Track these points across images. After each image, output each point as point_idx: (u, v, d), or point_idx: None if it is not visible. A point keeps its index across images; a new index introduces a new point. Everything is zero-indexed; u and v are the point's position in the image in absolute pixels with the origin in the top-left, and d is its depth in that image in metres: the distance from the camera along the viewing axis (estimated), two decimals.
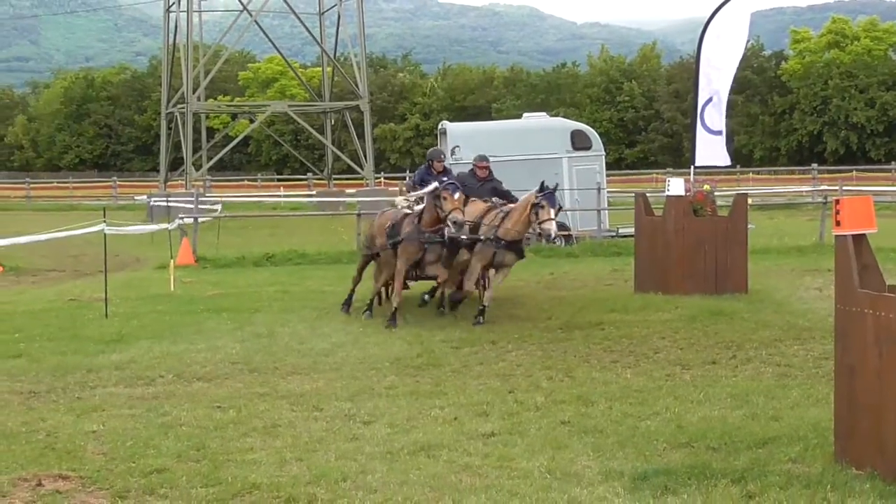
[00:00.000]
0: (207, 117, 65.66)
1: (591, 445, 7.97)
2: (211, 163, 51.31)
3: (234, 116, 72.44)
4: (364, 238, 17.32)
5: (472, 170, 16.32)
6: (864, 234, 7.39)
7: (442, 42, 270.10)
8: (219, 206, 32.65)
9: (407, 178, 25.56)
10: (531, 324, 14.11)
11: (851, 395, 7.23)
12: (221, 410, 9.28)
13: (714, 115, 17.16)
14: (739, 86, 68.73)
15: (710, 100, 17.19)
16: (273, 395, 9.98)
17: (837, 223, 7.35)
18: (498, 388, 10.18)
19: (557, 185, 14.93)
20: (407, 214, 14.75)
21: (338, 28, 52.41)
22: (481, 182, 15.83)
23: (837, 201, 7.47)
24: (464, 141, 26.42)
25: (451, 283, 15.04)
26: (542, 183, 14.17)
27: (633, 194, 21.48)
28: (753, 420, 8.61)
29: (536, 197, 14.00)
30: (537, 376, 10.71)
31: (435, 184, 14.44)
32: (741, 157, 66.70)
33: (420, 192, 14.88)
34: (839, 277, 7.44)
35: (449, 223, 13.90)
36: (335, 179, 56.44)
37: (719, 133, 17.12)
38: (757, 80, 74.33)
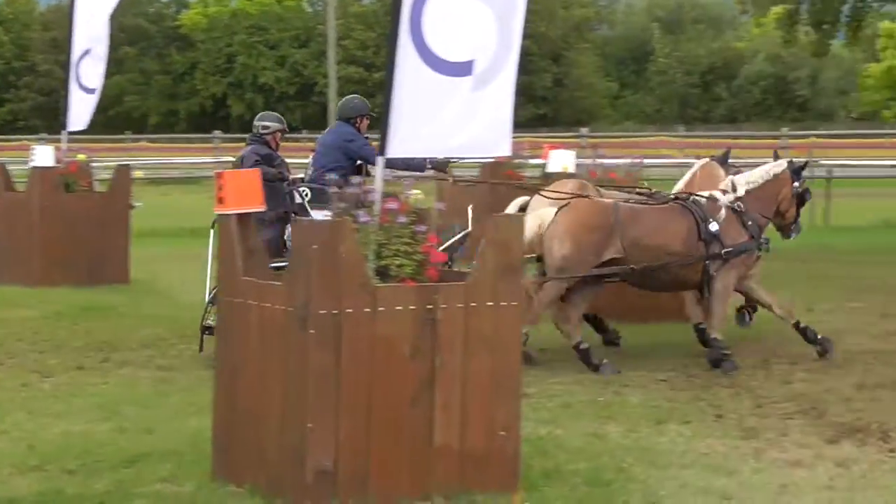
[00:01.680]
0: None
1: None
2: None
3: None
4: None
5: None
6: (249, 213, 7.64)
7: None
8: None
9: None
10: None
11: (232, 399, 7.44)
12: None
13: (92, 69, 17.02)
14: (133, 36, 69.01)
15: (87, 51, 17.05)
16: None
17: (220, 200, 7.53)
18: None
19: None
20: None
21: None
22: None
23: (220, 175, 7.66)
24: None
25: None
26: None
27: None
28: (122, 434, 8.65)
29: None
30: None
31: None
32: (133, 121, 66.88)
33: None
34: (222, 264, 7.65)
35: None
36: None
37: (93, 91, 17.00)
38: (153, 31, 74.75)
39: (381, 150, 7.47)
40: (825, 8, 23.36)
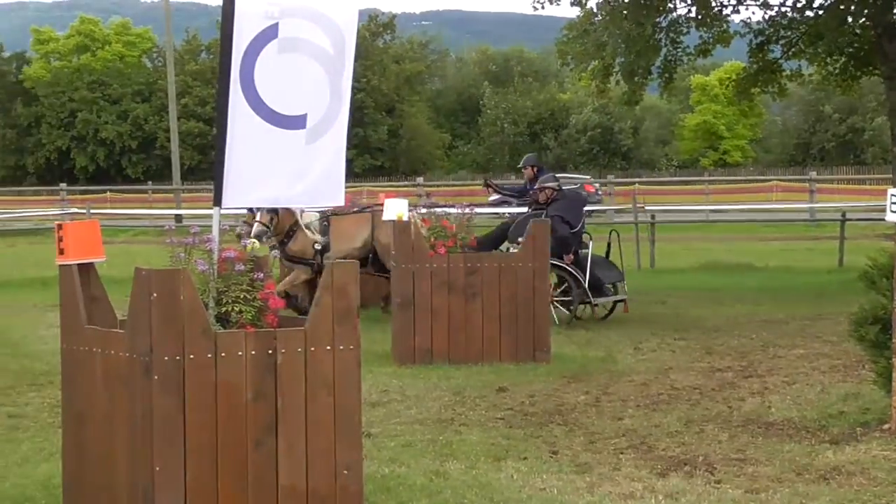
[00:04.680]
0: None
1: None
2: None
3: None
4: None
5: None
6: (92, 263, 7.57)
7: None
8: None
9: None
10: None
11: (81, 445, 7.35)
12: None
13: None
14: None
15: None
16: None
17: (61, 251, 7.45)
18: None
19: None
20: None
21: None
22: None
23: (60, 226, 7.57)
24: None
25: None
26: None
27: None
28: None
29: None
30: None
31: None
32: None
33: None
34: (64, 313, 7.54)
35: None
36: None
37: None
38: None
39: (217, 202, 7.48)
40: (637, 60, 23.91)
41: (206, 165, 68.21)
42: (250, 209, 16.25)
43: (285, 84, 7.57)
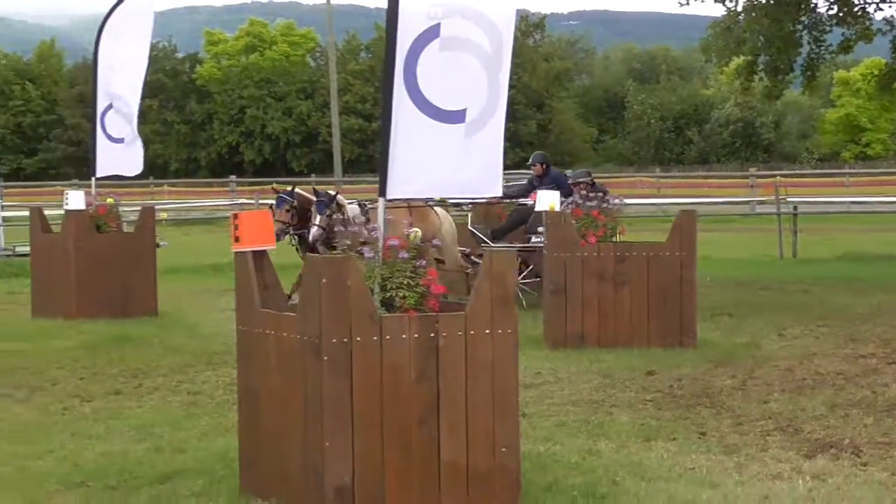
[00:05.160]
0: None
1: None
2: None
3: None
4: None
5: None
6: (265, 251, 7.71)
7: None
8: None
9: None
10: None
11: (255, 421, 7.50)
12: None
13: (117, 121, 17.11)
14: (152, 90, 69.13)
15: (110, 106, 17.15)
16: None
17: (236, 239, 7.59)
18: None
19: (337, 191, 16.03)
20: None
21: None
22: None
23: (236, 216, 7.71)
24: None
25: None
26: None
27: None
28: (157, 453, 8.68)
29: None
30: None
31: None
32: (155, 168, 66.97)
33: None
34: (239, 297, 7.69)
35: None
36: None
37: (120, 141, 17.07)
38: (171, 85, 75.05)
39: (382, 192, 7.55)
40: (781, 58, 23.51)
41: (366, 159, 68.91)
42: (270, 205, 15.91)
43: (446, 80, 7.59)
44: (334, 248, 15.90)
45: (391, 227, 16.71)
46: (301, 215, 16.09)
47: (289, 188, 16.56)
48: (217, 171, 71.78)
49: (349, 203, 16.08)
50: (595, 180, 17.75)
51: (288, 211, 16.00)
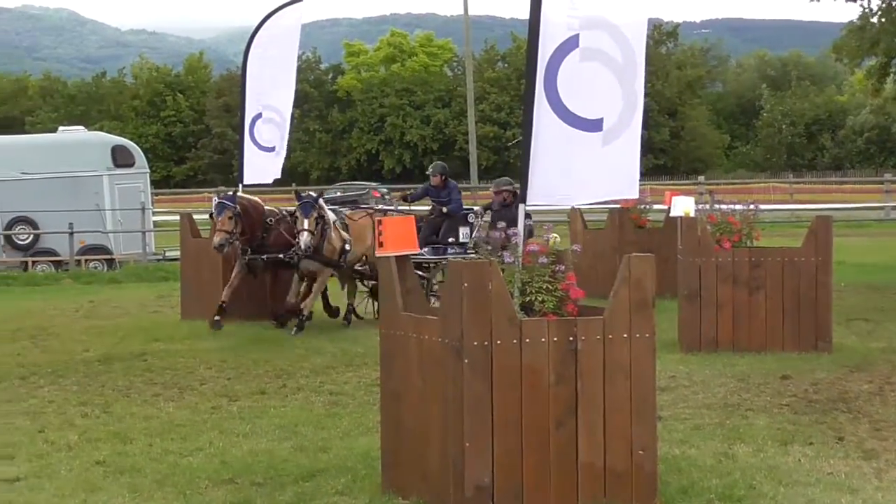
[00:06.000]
0: None
1: (128, 486, 7.89)
2: None
3: None
4: None
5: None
6: (407, 255, 7.76)
7: None
8: None
9: None
10: (66, 356, 13.69)
11: (397, 421, 7.54)
12: None
13: (267, 130, 17.33)
14: (297, 100, 70.22)
15: (259, 115, 17.39)
16: None
17: (380, 244, 7.65)
18: (27, 427, 9.84)
19: (319, 194, 15.87)
20: None
21: None
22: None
23: (380, 222, 7.78)
24: None
25: None
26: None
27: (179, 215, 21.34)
28: (301, 452, 8.78)
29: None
30: (71, 413, 10.43)
31: None
32: (297, 175, 67.89)
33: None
34: (383, 300, 7.76)
35: None
36: None
37: (271, 150, 17.27)
38: (315, 94, 76.04)
39: (522, 199, 7.56)
40: None
41: (501, 165, 68.87)
42: (210, 214, 15.02)
43: (584, 90, 7.62)
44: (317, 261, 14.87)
45: (357, 238, 15.52)
46: (246, 222, 15.10)
47: (230, 192, 15.44)
48: (356, 178, 72.43)
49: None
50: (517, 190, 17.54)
51: (231, 218, 14.94)
